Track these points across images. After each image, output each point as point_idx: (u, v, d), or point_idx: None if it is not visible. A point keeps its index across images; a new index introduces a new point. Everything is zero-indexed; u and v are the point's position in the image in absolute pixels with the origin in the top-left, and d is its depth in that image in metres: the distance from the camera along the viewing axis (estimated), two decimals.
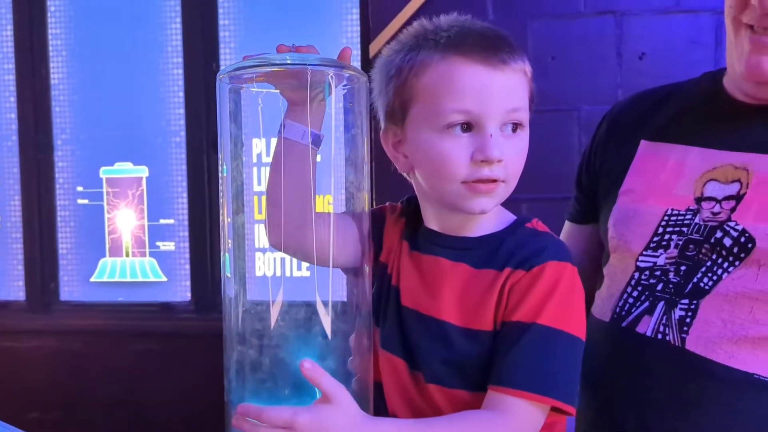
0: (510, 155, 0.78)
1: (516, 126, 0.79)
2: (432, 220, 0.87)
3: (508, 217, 0.86)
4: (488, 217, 0.84)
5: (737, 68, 0.84)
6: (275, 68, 0.77)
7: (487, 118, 0.77)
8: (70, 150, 2.42)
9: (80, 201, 2.42)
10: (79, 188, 2.42)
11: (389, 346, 0.84)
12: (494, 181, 0.79)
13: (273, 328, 0.83)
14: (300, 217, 0.80)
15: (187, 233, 2.37)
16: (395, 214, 0.93)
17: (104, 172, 2.40)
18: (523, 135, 0.80)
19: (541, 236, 0.82)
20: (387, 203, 0.95)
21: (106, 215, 2.40)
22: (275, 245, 0.86)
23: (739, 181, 0.82)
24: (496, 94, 0.77)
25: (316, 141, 0.80)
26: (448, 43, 0.78)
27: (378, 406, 0.84)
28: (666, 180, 0.87)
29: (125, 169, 2.39)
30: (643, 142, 0.92)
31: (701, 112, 0.89)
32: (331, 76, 0.78)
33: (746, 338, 0.75)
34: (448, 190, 0.80)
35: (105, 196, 2.40)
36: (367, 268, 0.86)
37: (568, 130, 1.85)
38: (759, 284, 0.76)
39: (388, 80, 0.81)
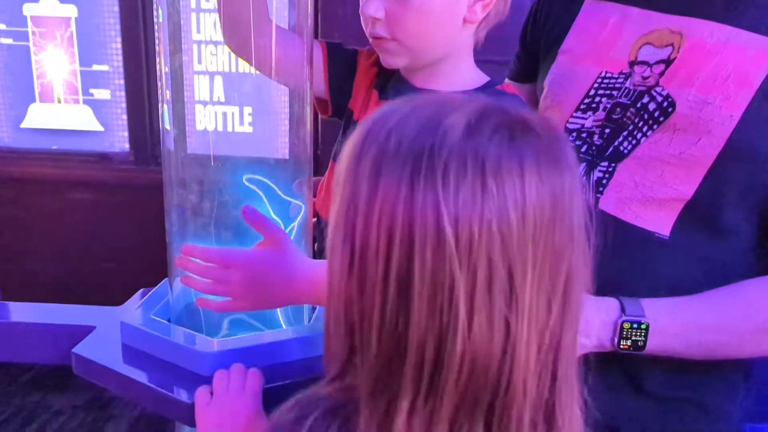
0: (395, 14, 0.82)
1: None
2: (404, 71, 0.91)
3: (481, 78, 0.90)
4: (459, 73, 0.88)
5: None
6: None
7: None
8: None
9: (3, 40, 2.24)
10: (1, 26, 2.23)
11: None
12: (379, 38, 0.84)
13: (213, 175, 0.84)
14: (249, 19, 0.82)
15: (123, 81, 2.26)
16: (369, 61, 0.95)
17: (27, 9, 2.21)
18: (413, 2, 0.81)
19: (507, 97, 0.84)
20: (365, 48, 0.96)
21: (33, 57, 2.25)
22: (227, 44, 0.88)
23: (672, 45, 0.80)
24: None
25: None
26: None
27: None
28: (604, 41, 0.86)
29: (50, 6, 2.20)
30: (587, 1, 0.90)
31: None
32: None
33: (653, 200, 0.78)
34: None
35: (30, 36, 2.23)
36: (308, 110, 0.89)
37: None
38: (671, 148, 0.77)
39: None
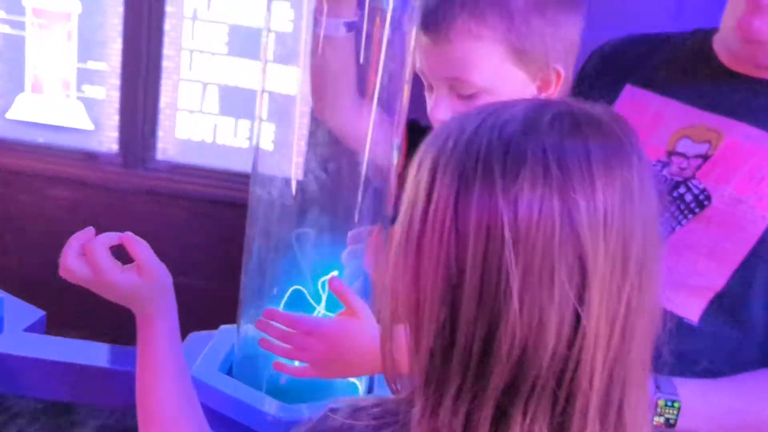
0: None
1: (467, 95, 0.82)
2: None
3: None
4: None
5: (729, 23, 0.85)
6: None
7: (435, 84, 0.84)
8: None
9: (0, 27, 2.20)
10: (1, 13, 2.19)
11: None
12: None
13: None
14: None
15: (119, 81, 2.22)
16: None
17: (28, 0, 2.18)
18: (482, 99, 0.81)
19: None
20: None
21: (29, 48, 2.20)
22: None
23: (709, 142, 0.84)
24: (430, 62, 0.82)
25: (351, 27, 0.83)
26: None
27: None
28: (643, 128, 0.89)
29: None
30: (627, 86, 0.93)
31: (688, 67, 0.90)
32: None
33: (685, 286, 0.80)
34: None
35: (28, 27, 2.19)
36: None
37: None
38: (705, 239, 0.80)
39: None
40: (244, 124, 2.05)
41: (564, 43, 0.86)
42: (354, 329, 0.78)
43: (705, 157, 0.83)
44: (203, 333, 1.02)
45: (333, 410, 0.54)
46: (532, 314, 0.46)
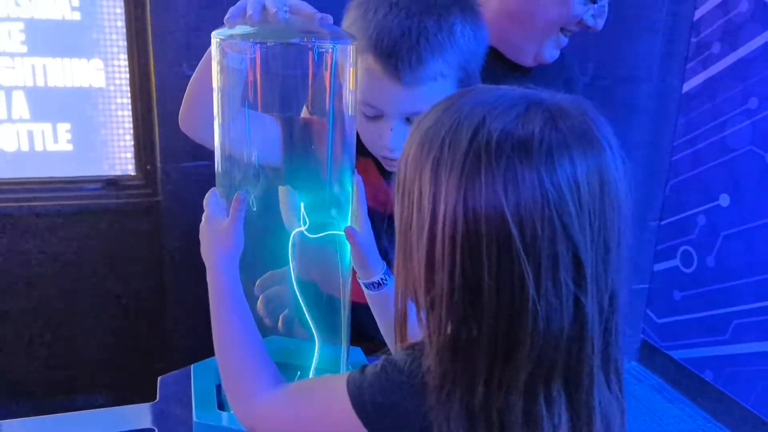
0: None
1: None
2: None
3: None
4: None
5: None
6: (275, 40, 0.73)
7: (389, 116, 0.85)
8: None
9: None
10: None
11: None
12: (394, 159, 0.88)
13: None
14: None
15: None
16: None
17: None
18: None
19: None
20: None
21: None
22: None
23: None
24: (398, 103, 0.83)
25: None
26: (369, 41, 0.82)
27: None
28: None
29: None
30: None
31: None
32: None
33: None
34: None
35: None
36: None
37: None
38: None
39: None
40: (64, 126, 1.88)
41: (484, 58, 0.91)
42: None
43: None
44: (173, 374, 0.95)
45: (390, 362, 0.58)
46: (548, 299, 0.51)
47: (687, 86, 2.39)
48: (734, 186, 2.21)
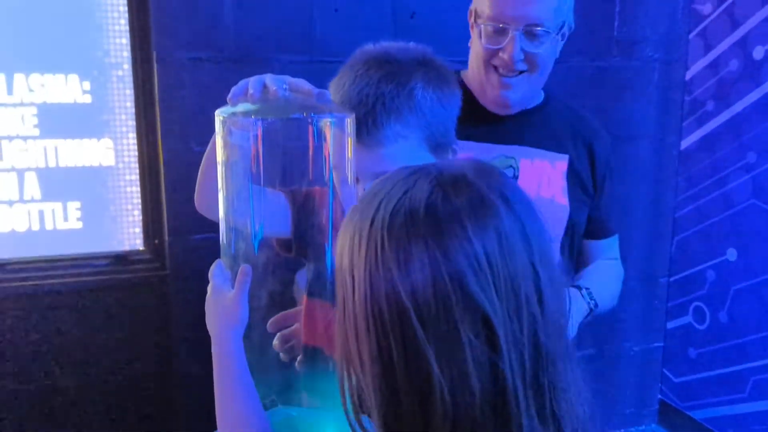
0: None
1: None
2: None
3: None
4: None
5: (489, 95, 1.15)
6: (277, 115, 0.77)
7: (363, 178, 0.87)
8: None
9: None
10: None
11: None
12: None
13: None
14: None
15: None
16: None
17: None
18: None
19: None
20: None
21: None
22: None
23: (512, 167, 1.13)
24: (366, 164, 0.86)
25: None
26: (340, 102, 0.87)
27: None
28: None
29: None
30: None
31: (469, 117, 1.02)
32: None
33: None
34: None
35: None
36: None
37: None
38: None
39: None
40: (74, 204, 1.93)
41: (455, 121, 0.94)
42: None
43: (515, 178, 1.14)
44: None
45: None
46: (452, 371, 0.50)
47: (685, 143, 2.43)
48: (740, 240, 2.21)
